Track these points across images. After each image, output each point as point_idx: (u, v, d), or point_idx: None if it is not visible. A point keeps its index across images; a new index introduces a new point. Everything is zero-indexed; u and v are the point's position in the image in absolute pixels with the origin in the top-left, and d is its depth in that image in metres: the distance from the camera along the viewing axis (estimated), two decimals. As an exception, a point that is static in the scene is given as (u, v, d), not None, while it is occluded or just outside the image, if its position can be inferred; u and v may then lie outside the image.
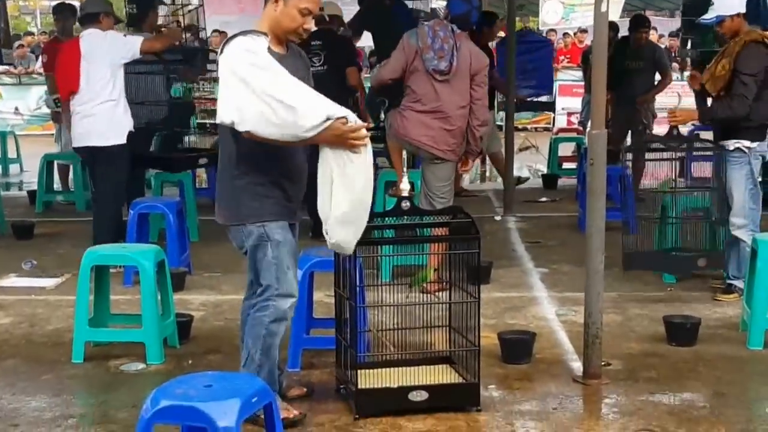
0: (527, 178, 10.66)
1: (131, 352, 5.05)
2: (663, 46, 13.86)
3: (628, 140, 9.72)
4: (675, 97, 6.21)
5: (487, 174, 12.67)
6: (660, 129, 10.18)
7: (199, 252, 7.21)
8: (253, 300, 4.03)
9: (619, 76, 9.46)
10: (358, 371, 4.14)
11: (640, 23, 9.85)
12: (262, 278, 3.94)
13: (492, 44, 10.31)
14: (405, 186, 4.14)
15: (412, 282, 4.36)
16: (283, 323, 3.97)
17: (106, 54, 6.71)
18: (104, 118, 6.73)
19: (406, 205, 4.13)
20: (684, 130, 7.57)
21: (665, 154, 6.14)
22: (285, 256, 3.93)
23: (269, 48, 3.79)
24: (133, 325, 5.15)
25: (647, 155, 6.29)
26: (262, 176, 3.89)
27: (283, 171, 3.93)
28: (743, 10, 5.90)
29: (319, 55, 7.70)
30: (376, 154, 7.16)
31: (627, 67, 9.54)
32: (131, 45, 6.74)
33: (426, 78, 6.05)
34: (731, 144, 5.86)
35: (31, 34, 23.37)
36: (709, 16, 5.90)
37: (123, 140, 6.76)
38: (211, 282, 6.64)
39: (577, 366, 4.82)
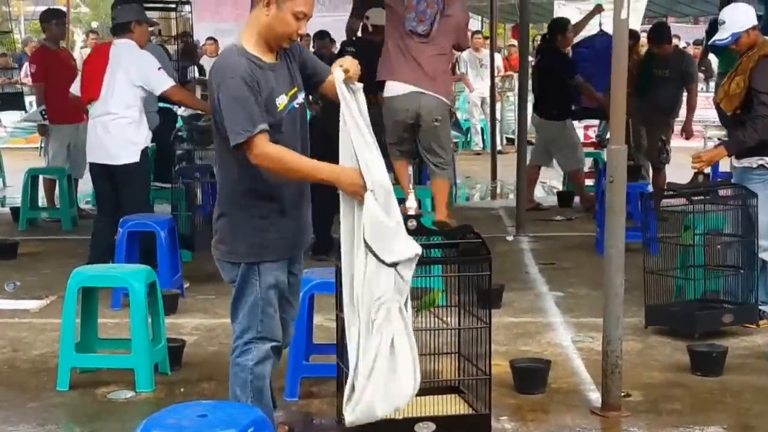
0: (546, 208, 10.63)
1: (120, 379, 5.04)
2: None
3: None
4: (699, 139, 6.11)
5: (498, 191, 12.68)
6: (676, 143, 10.22)
7: (192, 273, 7.22)
8: (233, 343, 3.95)
9: (646, 85, 9.48)
10: (362, 401, 4.11)
11: (659, 37, 9.75)
12: (242, 317, 3.86)
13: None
14: (411, 204, 4.13)
15: (418, 306, 4.35)
16: (268, 362, 3.91)
17: (132, 70, 6.78)
18: (118, 136, 6.82)
19: (412, 224, 4.12)
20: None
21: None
22: (273, 299, 3.87)
23: (258, 58, 3.74)
24: (122, 351, 5.14)
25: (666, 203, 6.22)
26: (265, 207, 3.80)
27: (289, 199, 3.86)
28: (755, 21, 5.90)
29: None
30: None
31: (654, 75, 9.56)
32: (157, 82, 6.80)
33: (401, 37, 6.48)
34: (754, 161, 5.86)
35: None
36: (723, 36, 5.90)
37: (136, 158, 6.84)
38: (204, 305, 6.64)
39: (595, 397, 4.81)
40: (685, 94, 9.96)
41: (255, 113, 3.67)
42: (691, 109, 9.88)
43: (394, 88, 7.09)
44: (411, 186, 4.24)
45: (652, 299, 5.95)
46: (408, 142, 7.25)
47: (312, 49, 10.07)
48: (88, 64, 7.18)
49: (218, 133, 3.78)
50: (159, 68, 6.86)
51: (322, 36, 12.61)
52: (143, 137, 6.91)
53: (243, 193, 3.81)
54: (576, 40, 10.67)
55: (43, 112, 8.87)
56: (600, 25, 10.78)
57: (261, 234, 3.81)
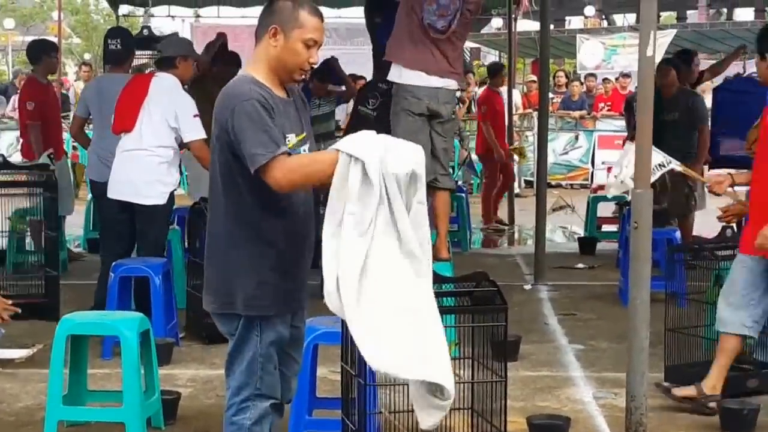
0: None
1: (110, 433, 5.06)
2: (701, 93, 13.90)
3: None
4: (729, 193, 5.89)
5: (516, 236, 12.71)
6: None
7: (189, 320, 7.24)
8: (228, 400, 3.89)
9: (656, 131, 9.36)
10: (368, 459, 4.13)
11: (661, 69, 9.29)
12: (239, 374, 3.82)
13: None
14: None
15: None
16: (267, 421, 3.86)
17: (170, 109, 6.82)
18: (150, 174, 6.85)
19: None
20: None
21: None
22: (273, 355, 3.84)
23: (270, 90, 3.73)
24: (113, 403, 5.15)
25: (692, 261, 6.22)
26: (269, 254, 3.73)
27: (293, 247, 3.80)
28: None
29: (376, 98, 7.85)
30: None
31: (662, 119, 9.39)
32: (189, 127, 6.80)
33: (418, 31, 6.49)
34: None
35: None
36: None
37: (164, 200, 6.91)
38: (201, 354, 6.65)
39: (618, 457, 4.82)
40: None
41: (275, 134, 3.62)
42: (701, 150, 9.56)
43: (409, 77, 7.05)
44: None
45: (675, 357, 5.95)
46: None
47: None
48: (126, 93, 7.10)
49: (224, 164, 3.72)
50: (195, 115, 6.85)
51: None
52: (174, 179, 6.96)
53: (245, 236, 3.73)
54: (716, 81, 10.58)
55: (51, 156, 8.80)
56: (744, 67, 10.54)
57: (261, 285, 3.75)
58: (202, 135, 6.82)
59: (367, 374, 4.14)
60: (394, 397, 4.61)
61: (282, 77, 3.80)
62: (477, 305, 4.30)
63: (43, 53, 9.30)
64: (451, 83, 7.10)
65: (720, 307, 5.46)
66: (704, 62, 15.68)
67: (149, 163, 6.84)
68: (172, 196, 7.00)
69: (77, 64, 27.73)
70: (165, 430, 5.20)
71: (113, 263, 6.75)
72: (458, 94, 7.69)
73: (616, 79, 19.24)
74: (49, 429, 4.98)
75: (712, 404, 5.37)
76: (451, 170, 7.66)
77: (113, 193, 6.99)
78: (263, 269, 3.74)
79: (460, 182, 13.63)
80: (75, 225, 9.31)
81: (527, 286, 8.98)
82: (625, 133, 13.20)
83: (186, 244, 7.79)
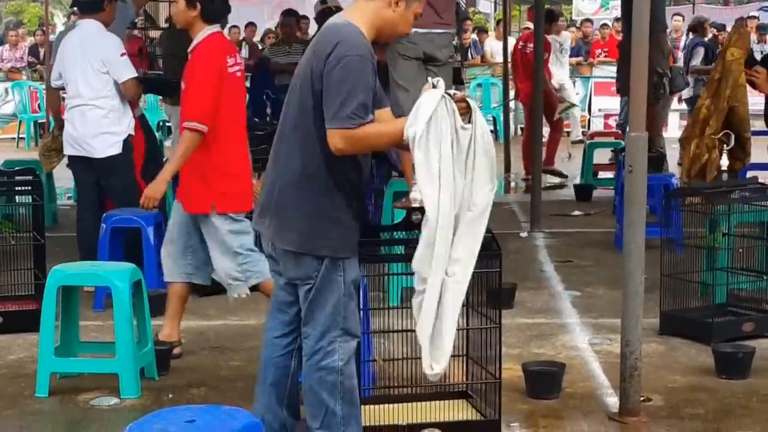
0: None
1: (103, 384, 5.08)
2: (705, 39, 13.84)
3: None
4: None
5: (512, 184, 12.71)
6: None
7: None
8: (289, 340, 3.98)
9: None
10: (362, 407, 4.15)
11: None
12: (324, 318, 3.85)
13: None
14: (416, 196, 4.16)
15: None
16: (353, 361, 3.92)
17: (96, 53, 6.79)
18: (95, 127, 6.84)
19: (417, 217, 4.15)
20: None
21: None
22: (354, 294, 3.92)
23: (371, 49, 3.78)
24: (106, 355, 5.18)
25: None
26: (342, 197, 3.83)
27: (358, 193, 3.91)
28: None
29: None
30: (380, 162, 7.36)
31: None
32: (118, 68, 6.79)
33: None
34: None
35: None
36: None
37: (118, 150, 6.87)
38: (194, 306, 6.65)
39: (613, 401, 4.85)
40: None
41: (369, 101, 3.71)
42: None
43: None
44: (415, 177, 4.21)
45: (671, 303, 5.98)
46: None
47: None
48: (61, 47, 7.06)
49: (305, 107, 3.75)
50: (122, 54, 6.85)
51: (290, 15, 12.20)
52: (124, 127, 6.93)
53: (331, 182, 3.78)
54: None
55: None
56: None
57: (338, 227, 3.82)
58: (133, 73, 6.86)
59: (363, 322, 4.16)
60: (388, 345, 4.64)
61: (381, 39, 3.88)
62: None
63: None
64: (443, 29, 7.09)
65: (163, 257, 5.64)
66: (704, 8, 15.63)
67: (92, 117, 6.82)
68: (127, 143, 6.93)
69: (66, 14, 27.52)
70: (158, 381, 5.22)
71: (104, 215, 6.76)
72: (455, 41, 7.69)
73: (613, 24, 19.13)
74: (41, 381, 5.01)
75: (176, 351, 5.51)
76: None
77: (68, 149, 6.98)
78: (341, 215, 3.83)
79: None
80: (65, 178, 9.29)
81: (523, 234, 9.00)
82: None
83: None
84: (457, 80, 12.84)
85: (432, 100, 3.66)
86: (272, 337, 4.09)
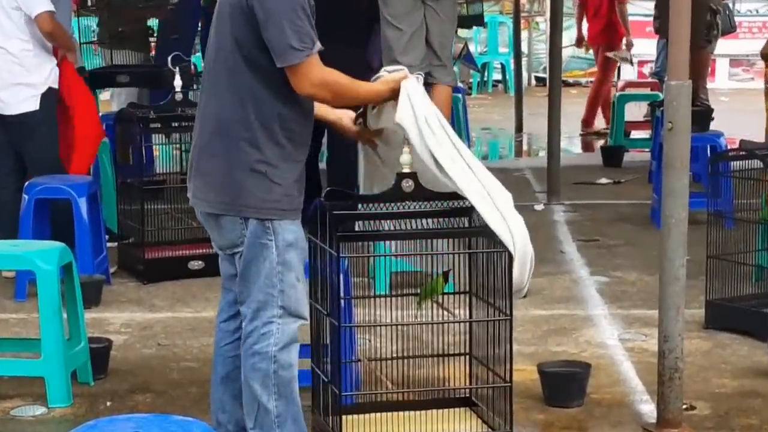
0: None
1: (27, 390, 5.07)
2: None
3: None
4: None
5: (525, 146, 12.72)
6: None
7: (122, 252, 7.27)
8: (236, 323, 4.07)
9: None
10: (343, 418, 4.16)
11: None
12: (257, 292, 3.96)
13: None
14: (406, 159, 4.16)
15: (420, 294, 4.39)
16: (295, 348, 4.02)
17: None
18: (2, 78, 6.83)
19: (408, 185, 4.15)
20: None
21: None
22: (296, 264, 3.99)
23: None
24: (29, 354, 5.17)
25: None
26: (275, 149, 3.93)
27: (298, 145, 4.00)
28: None
29: None
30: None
31: None
32: (33, 3, 6.78)
33: None
34: None
35: None
36: None
37: (35, 106, 6.86)
38: (138, 294, 6.67)
39: (649, 410, 4.87)
40: None
41: (312, 28, 3.87)
42: None
43: None
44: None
45: (718, 291, 5.99)
46: (415, 43, 7.18)
47: None
48: None
49: (241, 43, 3.88)
50: None
51: None
52: (44, 77, 6.90)
53: (265, 133, 3.90)
54: None
55: None
56: None
57: (273, 185, 3.92)
58: (49, 6, 6.83)
59: (342, 313, 4.16)
60: (376, 342, 4.64)
61: None
62: (476, 227, 4.30)
63: None
64: None
65: None
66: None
67: (2, 65, 6.81)
68: (49, 98, 6.92)
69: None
70: (94, 387, 5.21)
71: (26, 183, 6.73)
72: None
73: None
74: (-49, 386, 5.00)
75: None
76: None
77: None
78: (283, 171, 3.93)
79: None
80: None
81: (539, 207, 9.02)
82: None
83: (116, 159, 7.75)
84: (477, 23, 12.81)
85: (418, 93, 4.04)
86: (220, 321, 4.21)
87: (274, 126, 3.92)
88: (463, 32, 15.62)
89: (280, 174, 3.93)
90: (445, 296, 4.47)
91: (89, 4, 9.67)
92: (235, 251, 4.01)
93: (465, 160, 4.09)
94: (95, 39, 9.62)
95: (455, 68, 14.41)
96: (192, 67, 9.15)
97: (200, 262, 6.93)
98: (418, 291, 4.46)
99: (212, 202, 3.98)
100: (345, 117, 4.33)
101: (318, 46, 3.87)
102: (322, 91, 3.90)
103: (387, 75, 4.17)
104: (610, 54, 12.79)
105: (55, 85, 6.97)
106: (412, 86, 4.09)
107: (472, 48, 14.96)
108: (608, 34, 12.87)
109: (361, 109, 4.32)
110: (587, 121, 13.08)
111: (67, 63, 7.18)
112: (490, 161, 11.86)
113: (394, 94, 4.07)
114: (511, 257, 4.12)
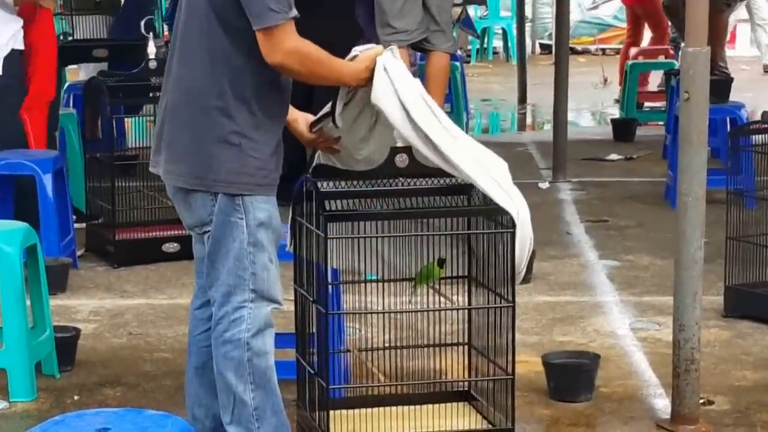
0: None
1: (-13, 384, 5.08)
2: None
3: None
4: None
5: (528, 119, 12.72)
6: None
7: (90, 233, 7.26)
8: (211, 310, 4.06)
9: None
10: (331, 413, 4.16)
11: None
12: (226, 275, 3.97)
13: None
14: (396, 135, 4.16)
15: (415, 279, 4.39)
16: (269, 334, 4.02)
17: None
18: None
19: (402, 160, 4.14)
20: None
21: None
22: (268, 245, 3.99)
23: None
24: (-10, 344, 5.17)
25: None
26: (249, 119, 3.93)
27: (274, 115, 4.01)
28: None
29: None
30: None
31: None
32: None
33: None
34: None
35: None
36: None
37: None
38: (107, 279, 6.67)
39: (663, 405, 4.88)
40: None
41: None
42: None
43: None
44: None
45: (739, 276, 5.98)
46: (411, 6, 7.18)
47: None
48: None
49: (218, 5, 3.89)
50: None
51: None
52: (4, 40, 6.82)
53: (240, 103, 3.90)
54: None
55: None
56: None
57: (246, 158, 3.92)
58: None
59: (330, 299, 4.15)
60: (365, 330, 4.64)
61: None
62: (476, 207, 4.30)
63: None
64: None
65: None
66: None
67: None
68: (12, 61, 6.87)
69: None
70: (60, 379, 5.21)
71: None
72: None
73: None
74: None
75: None
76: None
77: None
78: (258, 143, 3.94)
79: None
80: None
81: (543, 184, 9.03)
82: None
83: (84, 132, 7.73)
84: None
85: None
86: (193, 308, 4.23)
87: (249, 95, 3.91)
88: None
89: (255, 146, 3.93)
90: (442, 281, 4.48)
91: None
92: (205, 230, 4.00)
93: (454, 135, 4.08)
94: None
95: (454, 34, 14.45)
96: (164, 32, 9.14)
97: (175, 245, 6.92)
98: (413, 276, 4.46)
99: (181, 175, 3.98)
100: (301, 119, 4.28)
101: (294, 12, 3.86)
102: (294, 61, 3.87)
103: (360, 54, 4.13)
104: None
105: (19, 46, 6.91)
106: (389, 61, 4.06)
107: (471, 12, 14.95)
108: None
109: (321, 114, 4.26)
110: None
111: (45, 12, 7.13)
112: (490, 135, 11.86)
113: (370, 73, 4.04)
114: (513, 239, 4.12)
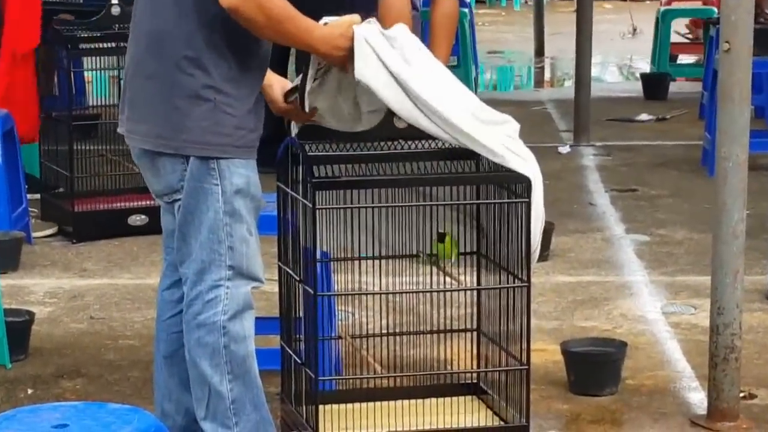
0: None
1: (-72, 375, 5.10)
2: None
3: None
4: None
5: (546, 74, 12.71)
6: None
7: (45, 204, 7.27)
8: (182, 291, 4.06)
9: None
10: (321, 408, 4.16)
11: None
12: (199, 249, 3.96)
13: None
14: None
15: (423, 257, 4.38)
16: (249, 317, 4.02)
17: None
18: None
19: (402, 122, 4.14)
20: None
21: None
22: (247, 215, 3.99)
23: None
24: (-69, 330, 5.19)
25: None
26: (224, 72, 3.91)
27: (252, 69, 3.99)
28: None
29: None
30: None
31: None
32: None
33: None
34: None
35: None
36: None
37: None
38: (65, 256, 6.69)
39: (698, 399, 4.90)
40: None
41: None
42: None
43: None
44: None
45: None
46: None
47: None
48: None
49: None
50: None
51: None
52: None
53: (215, 55, 3.88)
54: None
55: None
56: None
57: (223, 117, 3.91)
58: None
59: (319, 279, 4.15)
60: (360, 314, 4.64)
61: None
62: (485, 173, 4.30)
63: None
64: None
65: None
66: None
67: None
68: None
69: None
70: (12, 370, 5.22)
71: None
72: None
73: None
74: None
75: None
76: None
77: None
78: (235, 99, 3.92)
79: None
80: None
81: (564, 149, 9.05)
82: None
83: (39, 88, 7.72)
84: None
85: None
86: (162, 289, 4.23)
87: (224, 43, 3.90)
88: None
89: (231, 102, 3.92)
90: (450, 261, 4.48)
91: None
92: (174, 199, 4.00)
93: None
94: None
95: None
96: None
97: (143, 217, 6.93)
98: (417, 253, 4.45)
99: (147, 135, 3.96)
100: (277, 85, 4.24)
101: None
102: (252, 7, 3.79)
103: (331, 21, 4.08)
104: None
105: None
106: (370, 32, 4.01)
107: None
108: None
109: (298, 82, 4.22)
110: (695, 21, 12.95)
111: None
112: (501, 92, 11.85)
113: (348, 43, 3.97)
114: (529, 210, 4.12)
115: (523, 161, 4.08)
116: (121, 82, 4.17)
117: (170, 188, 3.99)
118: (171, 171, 3.95)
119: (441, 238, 4.35)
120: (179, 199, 3.97)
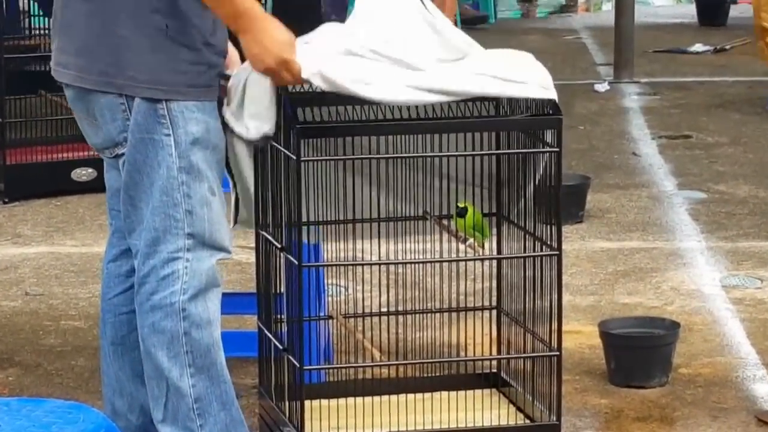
0: None
1: None
2: None
3: None
4: None
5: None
6: None
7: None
8: (131, 264, 4.07)
9: None
10: (306, 403, 4.17)
11: None
12: (151, 215, 3.95)
13: None
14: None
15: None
16: (214, 295, 4.01)
17: None
18: None
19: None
20: None
21: None
22: (207, 170, 3.97)
23: None
24: None
25: None
26: (186, 2, 3.89)
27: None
28: None
29: None
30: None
31: None
32: None
33: None
34: None
35: None
36: None
37: None
38: (5, 222, 6.70)
39: (765, 391, 4.92)
40: None
41: None
42: None
43: None
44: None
45: None
46: None
47: None
48: None
49: None
50: None
51: None
52: None
53: None
54: None
55: None
56: None
57: (174, 48, 3.89)
58: None
59: (305, 246, 4.14)
60: (354, 289, 4.64)
61: None
62: (506, 117, 4.29)
63: None
64: None
65: None
66: None
67: None
68: None
69: None
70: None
71: None
72: None
73: None
74: None
75: None
76: None
77: None
78: (194, 31, 3.91)
79: None
80: None
81: (602, 86, 9.06)
82: None
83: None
84: None
85: None
86: (107, 260, 4.21)
87: None
88: None
89: (186, 31, 3.90)
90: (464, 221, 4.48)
91: None
92: (117, 153, 3.98)
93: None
94: None
95: None
96: None
97: (90, 170, 6.94)
98: (423, 214, 4.44)
99: (81, 72, 3.94)
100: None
101: None
102: None
103: None
104: None
105: None
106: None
107: None
108: None
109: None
110: None
111: None
112: (532, 19, 11.84)
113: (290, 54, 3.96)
114: (560, 160, 4.12)
115: (542, 89, 4.08)
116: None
117: (111, 140, 3.97)
118: (111, 117, 3.92)
119: (462, 212, 4.33)
120: (123, 154, 3.93)
